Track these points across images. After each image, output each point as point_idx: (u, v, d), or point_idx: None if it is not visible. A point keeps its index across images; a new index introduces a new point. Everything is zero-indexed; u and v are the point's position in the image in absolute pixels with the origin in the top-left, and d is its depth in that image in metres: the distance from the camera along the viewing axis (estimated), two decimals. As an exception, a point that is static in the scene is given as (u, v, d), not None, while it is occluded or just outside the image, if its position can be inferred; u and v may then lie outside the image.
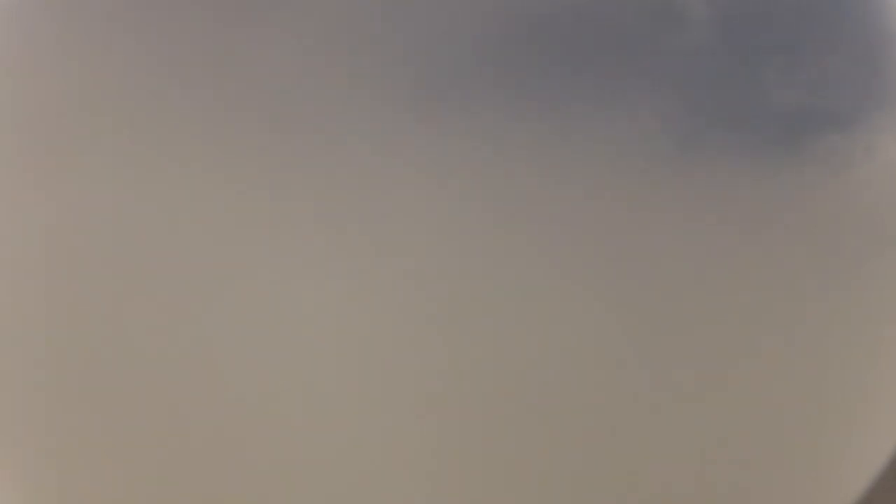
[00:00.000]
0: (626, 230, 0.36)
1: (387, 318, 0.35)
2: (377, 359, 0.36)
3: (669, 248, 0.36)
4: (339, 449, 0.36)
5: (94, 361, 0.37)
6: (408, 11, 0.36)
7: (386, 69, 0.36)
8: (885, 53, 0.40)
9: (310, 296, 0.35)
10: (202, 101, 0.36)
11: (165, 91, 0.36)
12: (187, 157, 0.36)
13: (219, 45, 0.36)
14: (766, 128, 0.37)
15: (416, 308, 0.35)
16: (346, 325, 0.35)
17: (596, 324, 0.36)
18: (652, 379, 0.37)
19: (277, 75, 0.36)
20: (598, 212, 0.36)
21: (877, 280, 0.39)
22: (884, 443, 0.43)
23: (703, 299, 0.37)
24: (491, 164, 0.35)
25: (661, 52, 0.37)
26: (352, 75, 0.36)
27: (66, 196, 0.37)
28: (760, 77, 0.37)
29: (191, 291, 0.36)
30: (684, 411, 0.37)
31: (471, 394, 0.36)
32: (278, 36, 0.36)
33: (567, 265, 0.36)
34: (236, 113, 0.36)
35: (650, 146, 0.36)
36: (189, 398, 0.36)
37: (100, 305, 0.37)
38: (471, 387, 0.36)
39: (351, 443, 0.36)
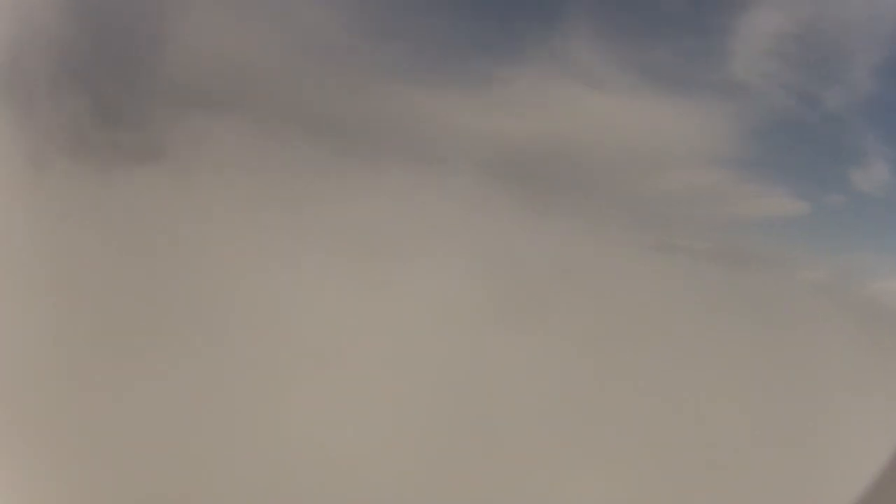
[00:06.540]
0: None
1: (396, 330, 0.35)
2: (388, 360, 0.36)
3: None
4: (342, 452, 0.36)
5: (105, 365, 0.37)
6: None
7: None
8: None
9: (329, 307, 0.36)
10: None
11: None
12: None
13: None
14: None
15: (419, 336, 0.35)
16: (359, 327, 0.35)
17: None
18: (654, 378, 0.37)
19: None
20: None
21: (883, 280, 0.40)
22: (884, 443, 0.43)
23: (701, 299, 0.37)
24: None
25: None
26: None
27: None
28: None
29: (197, 293, 0.36)
30: (684, 412, 0.37)
31: (475, 402, 0.36)
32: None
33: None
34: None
35: None
36: (193, 401, 0.36)
37: (101, 308, 0.37)
38: (474, 394, 0.36)
39: (357, 448, 0.36)
